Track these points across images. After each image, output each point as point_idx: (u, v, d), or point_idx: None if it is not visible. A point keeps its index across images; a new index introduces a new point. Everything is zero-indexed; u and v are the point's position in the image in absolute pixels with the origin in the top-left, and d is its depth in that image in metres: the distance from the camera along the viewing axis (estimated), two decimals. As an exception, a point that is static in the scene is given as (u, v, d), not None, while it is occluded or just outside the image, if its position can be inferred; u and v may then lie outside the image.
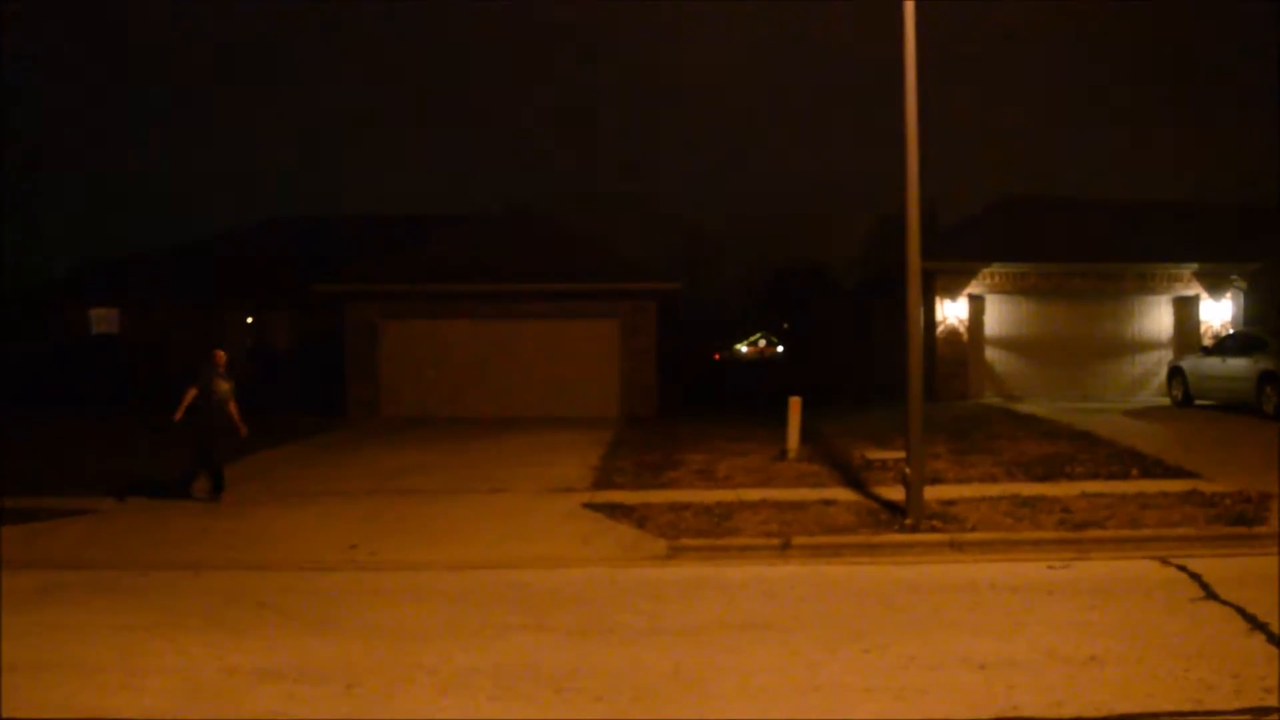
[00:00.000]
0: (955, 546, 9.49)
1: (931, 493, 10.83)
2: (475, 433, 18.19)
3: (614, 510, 10.94)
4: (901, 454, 11.22)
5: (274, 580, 8.66)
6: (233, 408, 12.17)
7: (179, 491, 12.03)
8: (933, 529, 9.85)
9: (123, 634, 6.99)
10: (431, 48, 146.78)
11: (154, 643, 6.76)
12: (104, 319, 27.90)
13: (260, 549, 9.79)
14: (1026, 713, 5.25)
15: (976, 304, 23.61)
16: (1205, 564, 8.47)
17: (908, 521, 10.02)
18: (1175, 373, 20.52)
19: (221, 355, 12.41)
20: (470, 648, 6.58)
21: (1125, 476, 12.32)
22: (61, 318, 27.75)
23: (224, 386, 12.16)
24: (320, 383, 23.57)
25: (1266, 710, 5.18)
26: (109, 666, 6.24)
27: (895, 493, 11.05)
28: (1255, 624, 6.65)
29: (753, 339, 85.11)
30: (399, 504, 11.73)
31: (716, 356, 64.31)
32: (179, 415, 11.84)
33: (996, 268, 23.40)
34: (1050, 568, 8.65)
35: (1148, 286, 23.69)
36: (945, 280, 23.33)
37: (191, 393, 11.92)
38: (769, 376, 40.96)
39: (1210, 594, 7.52)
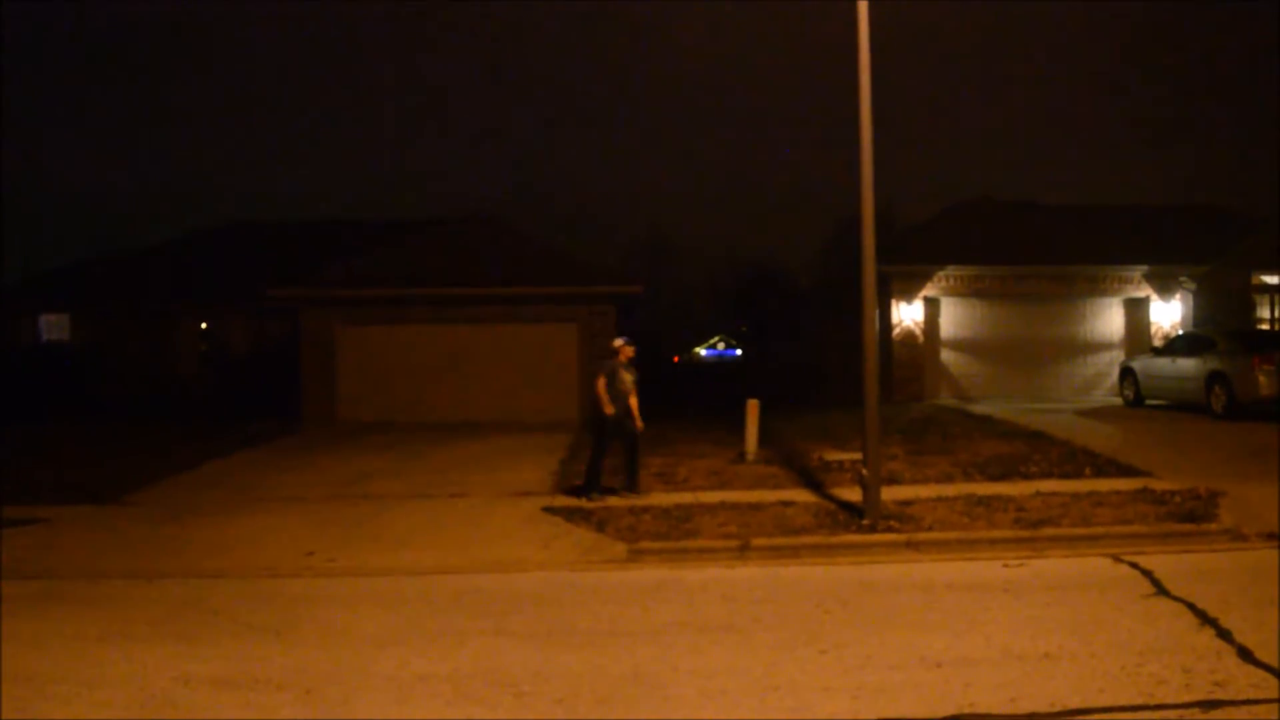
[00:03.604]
0: (912, 546, 9.58)
1: (888, 493, 10.92)
2: (434, 438, 18.10)
3: (573, 514, 10.93)
4: (859, 455, 11.30)
5: (229, 588, 8.56)
6: (633, 401, 12.03)
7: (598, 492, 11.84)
8: (890, 529, 9.93)
9: (75, 644, 6.88)
10: (388, 51, 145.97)
11: (107, 653, 6.66)
12: (54, 326, 27.45)
13: (215, 556, 9.67)
14: (982, 709, 5.30)
15: (932, 306, 23.86)
16: (1156, 560, 8.61)
17: (865, 522, 10.10)
18: (1126, 373, 20.84)
19: (618, 342, 12.28)
20: (429, 653, 6.54)
21: (1079, 475, 12.50)
22: (10, 325, 27.25)
23: (628, 378, 12.01)
24: (277, 389, 23.35)
25: (1216, 703, 5.26)
26: (61, 677, 6.14)
27: (853, 494, 11.13)
28: (1205, 619, 6.76)
29: (711, 342, 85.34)
30: (357, 510, 11.65)
31: (676, 360, 64.38)
32: (610, 409, 11.77)
33: (951, 270, 23.67)
34: (1005, 566, 8.75)
35: (1099, 288, 24.09)
36: (901, 283, 23.56)
37: (601, 382, 11.85)
38: (727, 379, 41.08)
39: (1161, 590, 7.64)
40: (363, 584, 8.70)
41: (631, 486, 11.96)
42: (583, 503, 11.53)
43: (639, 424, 12.07)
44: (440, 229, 25.51)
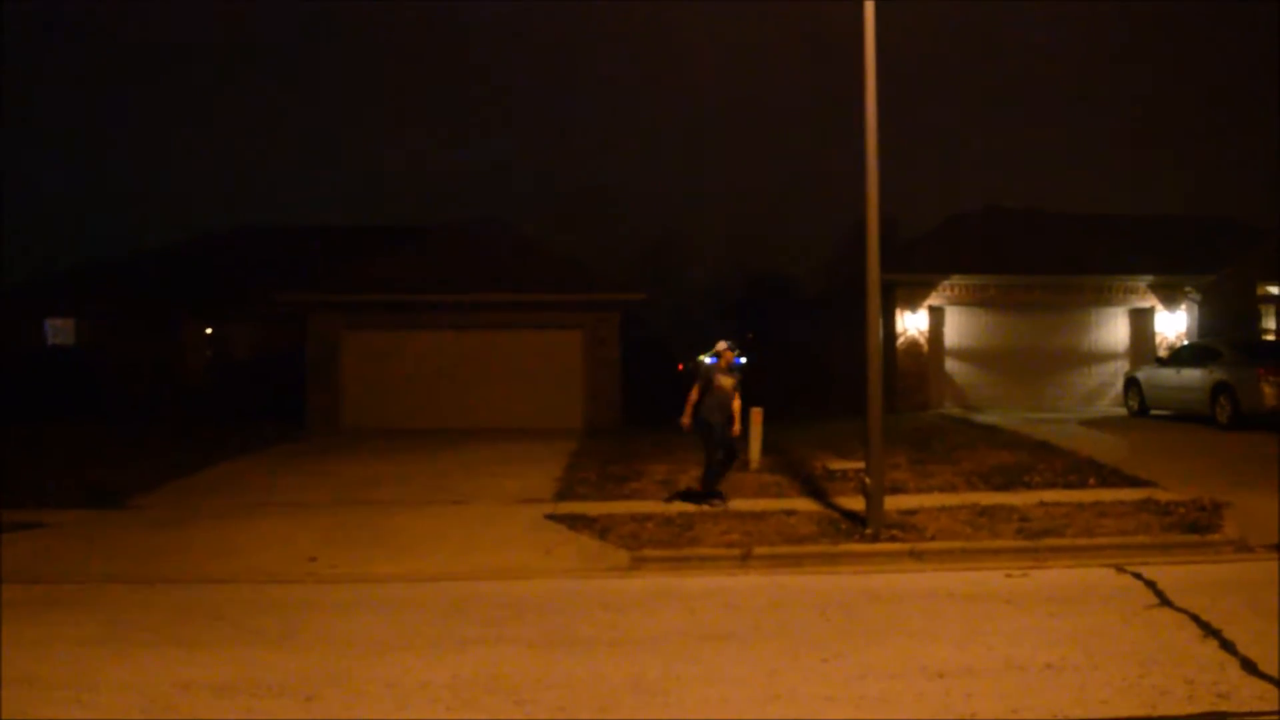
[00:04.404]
0: (915, 556, 9.56)
1: (892, 502, 10.91)
2: (438, 444, 18.10)
3: (576, 521, 10.92)
4: (862, 464, 11.27)
5: (231, 593, 8.56)
6: (735, 406, 11.76)
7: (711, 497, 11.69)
8: (893, 538, 9.91)
9: (76, 648, 6.88)
10: (393, 54, 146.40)
11: (108, 658, 6.67)
12: (59, 329, 27.50)
13: (217, 562, 9.68)
14: (984, 719, 5.30)
15: (936, 316, 23.83)
16: (1160, 571, 8.59)
17: (868, 531, 10.08)
18: (1131, 383, 20.82)
19: (721, 346, 12.02)
20: (430, 660, 6.53)
21: (1083, 485, 12.48)
22: (16, 328, 27.29)
23: (727, 382, 11.77)
24: (282, 394, 23.38)
25: (1219, 715, 5.25)
26: (62, 682, 6.14)
27: (856, 503, 11.11)
28: (1209, 630, 6.74)
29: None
30: (360, 516, 11.65)
31: (680, 367, 64.29)
32: (686, 420, 11.67)
33: (956, 280, 23.65)
34: (1008, 576, 8.73)
35: (1104, 298, 24.07)
36: (905, 292, 23.54)
37: (695, 393, 11.66)
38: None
39: (1165, 601, 7.62)
40: (364, 590, 8.70)
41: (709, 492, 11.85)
42: (704, 508, 11.46)
43: (736, 429, 11.81)
44: (446, 234, 25.55)
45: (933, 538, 9.94)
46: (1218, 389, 17.53)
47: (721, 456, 11.75)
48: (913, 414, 21.94)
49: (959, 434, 17.66)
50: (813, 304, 36.84)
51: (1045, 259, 24.25)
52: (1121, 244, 25.64)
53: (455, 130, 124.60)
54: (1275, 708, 5.33)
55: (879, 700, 5.62)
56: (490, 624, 7.43)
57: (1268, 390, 16.61)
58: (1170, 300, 24.05)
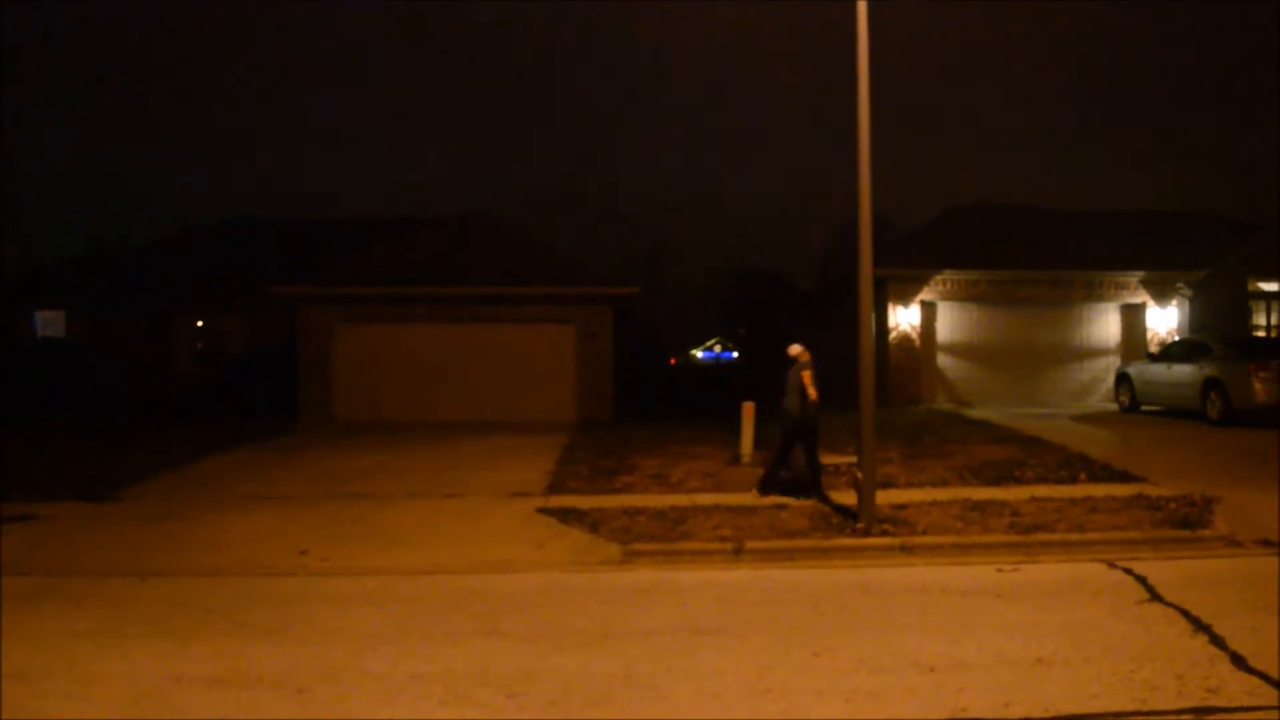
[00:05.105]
0: (906, 550, 9.57)
1: (883, 497, 10.91)
2: (430, 437, 18.09)
3: (568, 515, 10.92)
4: (854, 459, 11.29)
5: (223, 587, 8.54)
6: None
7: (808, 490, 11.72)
8: (884, 533, 9.92)
9: (68, 641, 6.87)
10: (390, 48, 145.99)
11: (100, 650, 6.65)
12: (50, 322, 27.40)
13: (209, 555, 9.66)
14: (975, 714, 5.30)
15: (929, 310, 23.85)
16: (1151, 566, 8.61)
17: (859, 525, 10.09)
18: (1122, 379, 20.88)
19: (796, 349, 12.05)
20: (421, 653, 6.53)
21: (1074, 481, 12.51)
22: (6, 321, 27.18)
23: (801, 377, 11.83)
24: (274, 387, 23.33)
25: (1209, 710, 5.27)
26: (54, 674, 6.13)
27: (848, 497, 11.13)
28: (1199, 625, 6.77)
29: (709, 344, 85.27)
30: (351, 509, 11.63)
31: (673, 361, 64.30)
32: (815, 395, 11.58)
33: (948, 274, 23.67)
34: (999, 571, 8.75)
35: (1096, 294, 24.10)
36: (898, 287, 23.55)
37: (808, 375, 11.64)
38: (724, 382, 41.06)
39: (1155, 596, 7.64)
40: (356, 583, 8.69)
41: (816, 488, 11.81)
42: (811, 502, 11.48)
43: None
44: (440, 227, 25.51)
45: (924, 532, 9.96)
46: (1208, 384, 17.59)
47: (814, 447, 11.84)
48: (904, 409, 21.96)
49: (950, 429, 17.70)
50: (805, 299, 36.86)
51: (1038, 254, 24.26)
52: (1114, 239, 25.66)
53: (452, 128, 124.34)
54: (1265, 703, 5.35)
55: (870, 694, 5.63)
56: (482, 617, 7.43)
57: (1258, 386, 16.68)
58: (1161, 296, 24.10)
